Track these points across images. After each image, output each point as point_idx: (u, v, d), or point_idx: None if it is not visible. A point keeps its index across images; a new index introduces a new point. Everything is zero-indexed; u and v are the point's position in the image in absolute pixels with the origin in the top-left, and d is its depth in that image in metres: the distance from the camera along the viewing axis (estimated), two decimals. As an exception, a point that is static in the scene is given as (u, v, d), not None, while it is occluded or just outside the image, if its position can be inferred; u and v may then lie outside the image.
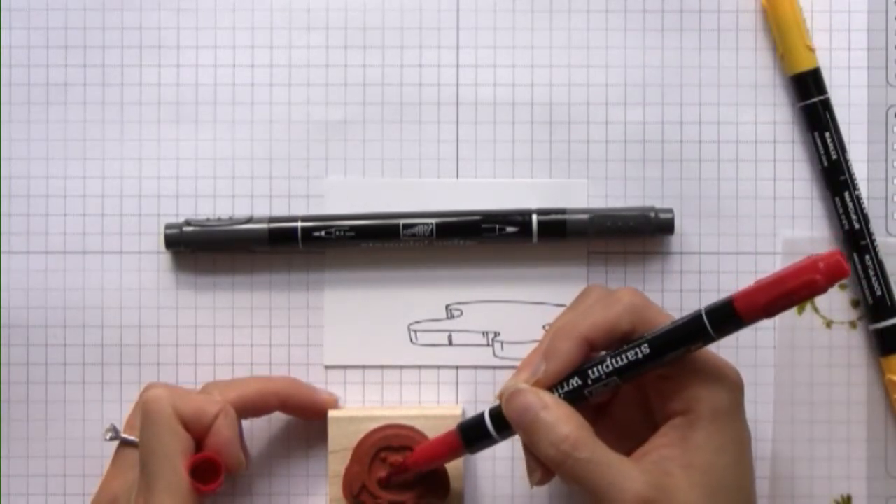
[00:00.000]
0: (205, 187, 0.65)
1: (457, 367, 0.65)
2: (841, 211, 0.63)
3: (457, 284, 0.64)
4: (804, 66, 0.63)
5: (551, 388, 0.55)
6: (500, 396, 0.56)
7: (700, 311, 0.53)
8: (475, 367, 0.65)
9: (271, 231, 0.63)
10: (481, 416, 0.57)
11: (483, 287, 0.64)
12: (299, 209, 0.64)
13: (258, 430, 0.64)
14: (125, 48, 0.65)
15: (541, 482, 0.55)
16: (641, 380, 0.56)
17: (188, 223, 0.63)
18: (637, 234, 0.63)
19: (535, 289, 0.64)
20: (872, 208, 0.64)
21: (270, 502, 0.64)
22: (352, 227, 0.63)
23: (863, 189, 0.64)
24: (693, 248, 0.64)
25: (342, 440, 0.62)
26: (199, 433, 0.59)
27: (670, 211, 0.63)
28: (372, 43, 0.65)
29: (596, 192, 0.65)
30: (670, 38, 0.65)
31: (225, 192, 0.65)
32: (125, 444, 0.61)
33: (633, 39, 0.65)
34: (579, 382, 0.55)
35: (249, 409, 0.61)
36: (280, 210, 0.64)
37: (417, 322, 0.64)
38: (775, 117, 0.64)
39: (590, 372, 0.55)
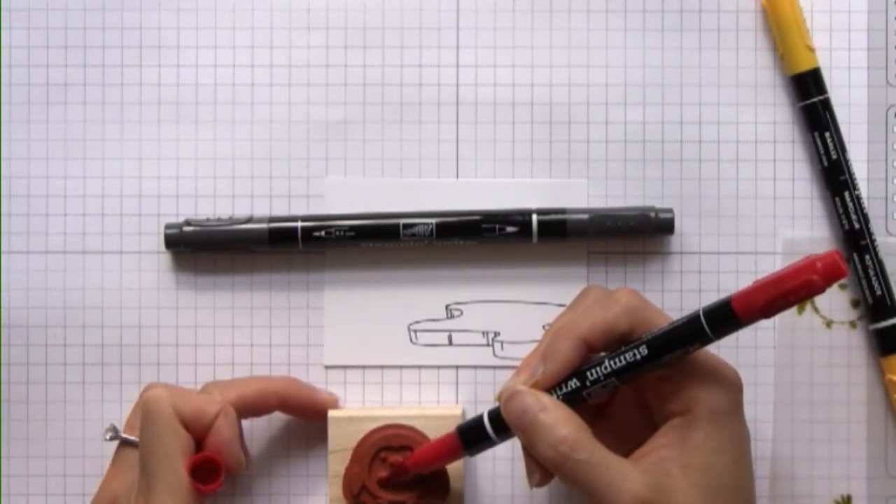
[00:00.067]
0: (205, 187, 0.65)
1: (457, 367, 0.65)
2: (841, 211, 0.63)
3: (457, 284, 0.64)
4: (804, 66, 0.63)
5: (550, 389, 0.55)
6: (499, 398, 0.56)
7: (698, 311, 0.53)
8: (475, 367, 0.65)
9: (271, 231, 0.63)
10: (480, 418, 0.57)
11: (483, 287, 0.64)
12: (299, 209, 0.65)
13: (258, 430, 0.64)
14: (125, 48, 0.65)
15: (540, 484, 0.55)
16: (640, 381, 0.56)
17: (188, 223, 0.63)
18: (637, 234, 0.63)
19: (535, 289, 0.64)
20: (872, 208, 0.64)
21: (270, 502, 0.64)
22: (352, 227, 0.63)
23: (863, 189, 0.64)
24: (693, 248, 0.64)
25: (342, 440, 0.62)
26: (199, 433, 0.59)
27: (670, 211, 0.63)
28: (372, 43, 0.65)
29: (596, 192, 0.65)
30: (670, 38, 0.65)
31: (225, 192, 0.65)
32: (125, 443, 0.61)
33: (633, 39, 0.65)
34: (578, 384, 0.55)
35: (249, 408, 0.61)
36: (280, 210, 0.65)
37: (417, 322, 0.64)
38: (775, 117, 0.64)
39: (588, 373, 0.55)
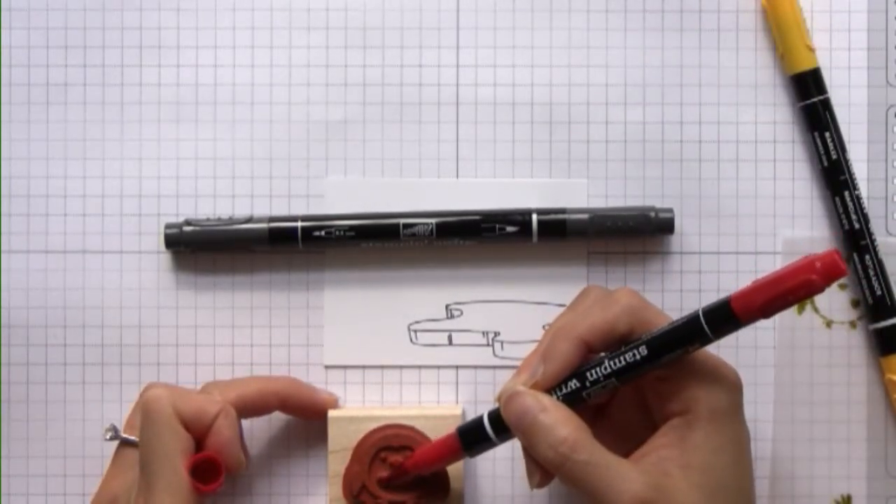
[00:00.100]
0: (205, 187, 0.65)
1: (457, 367, 0.65)
2: (841, 211, 0.63)
3: (457, 284, 0.64)
4: (804, 66, 0.63)
5: (550, 390, 0.55)
6: (499, 399, 0.56)
7: (697, 312, 0.53)
8: (475, 367, 0.65)
9: (271, 231, 0.63)
10: (480, 419, 0.57)
11: (483, 287, 0.64)
12: (299, 209, 0.65)
13: (258, 430, 0.64)
14: (125, 48, 0.65)
15: (541, 485, 0.55)
16: (640, 381, 0.56)
17: (188, 223, 0.63)
18: (637, 234, 0.63)
19: (535, 289, 0.64)
20: (872, 208, 0.64)
21: (270, 502, 0.64)
22: (352, 227, 0.63)
23: (863, 189, 0.64)
24: (693, 248, 0.64)
25: (342, 440, 0.62)
26: (199, 433, 0.59)
27: (670, 211, 0.63)
28: (372, 43, 0.65)
29: (596, 191, 0.65)
30: (670, 38, 0.65)
31: (225, 192, 0.65)
32: (125, 443, 0.61)
33: (633, 39, 0.65)
34: (577, 384, 0.55)
35: (249, 408, 0.61)
36: (280, 210, 0.65)
37: (417, 322, 0.64)
38: (775, 117, 0.64)
39: (588, 374, 0.55)
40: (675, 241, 0.64)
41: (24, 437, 0.64)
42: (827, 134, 0.63)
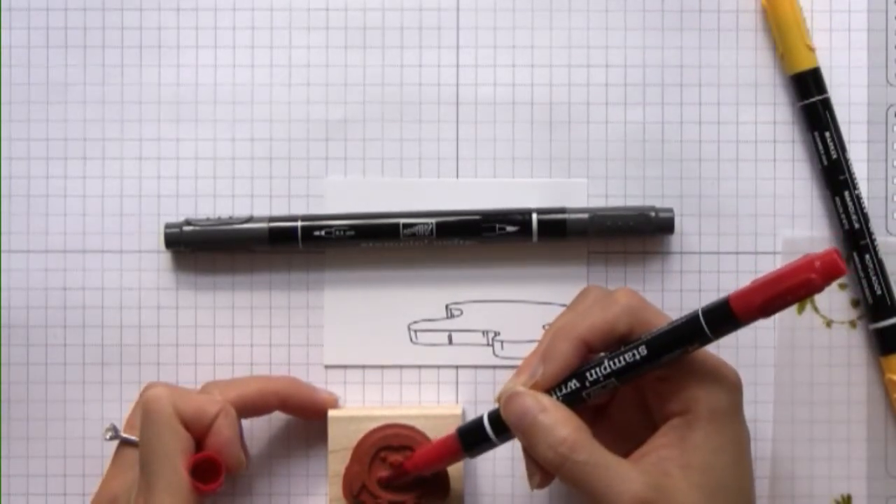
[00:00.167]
0: (205, 187, 0.65)
1: (457, 367, 0.65)
2: (841, 210, 0.63)
3: (457, 284, 0.64)
4: (804, 66, 0.63)
5: (549, 390, 0.55)
6: (499, 399, 0.56)
7: (697, 311, 0.53)
8: (475, 367, 0.65)
9: (271, 231, 0.63)
10: (480, 419, 0.57)
11: (483, 287, 0.64)
12: (299, 209, 0.65)
13: (258, 430, 0.64)
14: (125, 48, 0.65)
15: (541, 485, 0.55)
16: (639, 381, 0.56)
17: (188, 223, 0.63)
18: (637, 234, 0.63)
19: (535, 288, 0.64)
20: (872, 208, 0.64)
21: (270, 502, 0.64)
22: (352, 227, 0.63)
23: (863, 189, 0.64)
24: (693, 248, 0.64)
25: (342, 440, 0.62)
26: (199, 433, 0.59)
27: (670, 210, 0.63)
28: (372, 43, 0.65)
29: (596, 191, 0.65)
30: (670, 38, 0.65)
31: (225, 192, 0.65)
32: (125, 443, 0.61)
33: (632, 39, 0.65)
34: (577, 385, 0.55)
35: (249, 408, 0.61)
36: (280, 210, 0.65)
37: (417, 322, 0.64)
38: (775, 117, 0.64)
39: (588, 374, 0.55)
40: (675, 240, 0.64)
41: (24, 436, 0.64)
42: (827, 133, 0.63)
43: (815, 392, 0.64)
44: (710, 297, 0.61)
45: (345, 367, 0.64)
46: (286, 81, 0.65)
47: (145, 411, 0.58)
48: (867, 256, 0.63)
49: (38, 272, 0.65)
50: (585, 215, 0.63)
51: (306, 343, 0.64)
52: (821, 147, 0.63)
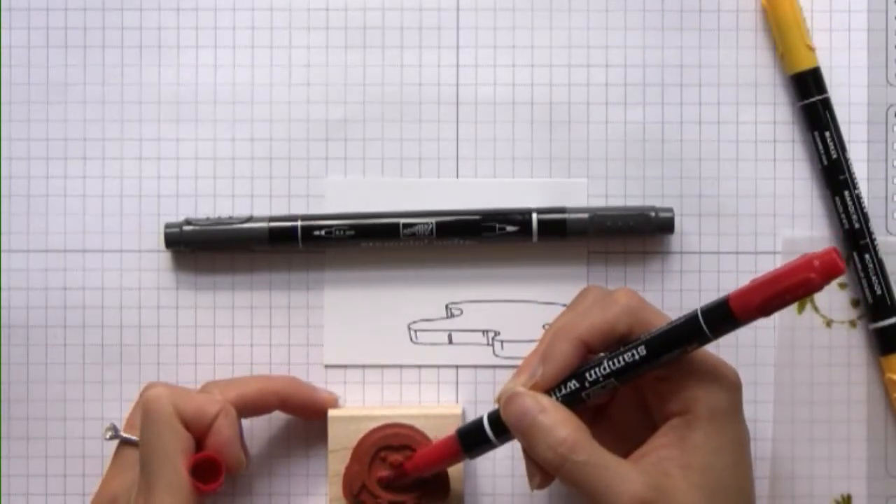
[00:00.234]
0: (205, 187, 0.65)
1: (457, 367, 0.65)
2: (841, 210, 0.63)
3: (457, 284, 0.64)
4: (804, 66, 0.63)
5: (549, 390, 0.55)
6: (498, 400, 0.56)
7: (696, 311, 0.53)
8: (475, 367, 0.65)
9: (271, 230, 0.63)
10: (480, 421, 0.57)
11: (483, 286, 0.64)
12: (299, 209, 0.65)
13: (258, 430, 0.64)
14: (125, 48, 0.65)
15: (541, 486, 0.55)
16: (639, 381, 0.56)
17: (188, 223, 0.63)
18: (637, 234, 0.63)
19: (535, 288, 0.64)
20: (872, 207, 0.64)
21: (270, 502, 0.64)
22: (352, 227, 0.63)
23: (863, 188, 0.64)
24: (693, 248, 0.64)
25: (342, 439, 0.62)
26: (199, 432, 0.59)
27: (670, 210, 0.63)
28: (372, 43, 0.65)
29: (596, 191, 0.65)
30: (670, 38, 0.65)
31: (225, 191, 0.65)
32: (125, 443, 0.61)
33: (633, 38, 0.65)
34: (577, 385, 0.55)
35: (249, 408, 0.61)
36: (280, 210, 0.65)
37: (417, 321, 0.64)
38: (775, 116, 0.64)
39: (587, 374, 0.55)
40: (674, 240, 0.64)
41: (24, 436, 0.64)
42: (827, 133, 0.63)
43: (815, 392, 0.64)
44: (709, 297, 0.60)
45: (345, 366, 0.65)
46: (286, 81, 0.65)
47: (145, 411, 0.58)
48: (867, 256, 0.63)
49: (38, 272, 0.65)
50: (585, 215, 0.63)
51: (306, 343, 0.64)
52: (821, 147, 0.63)
